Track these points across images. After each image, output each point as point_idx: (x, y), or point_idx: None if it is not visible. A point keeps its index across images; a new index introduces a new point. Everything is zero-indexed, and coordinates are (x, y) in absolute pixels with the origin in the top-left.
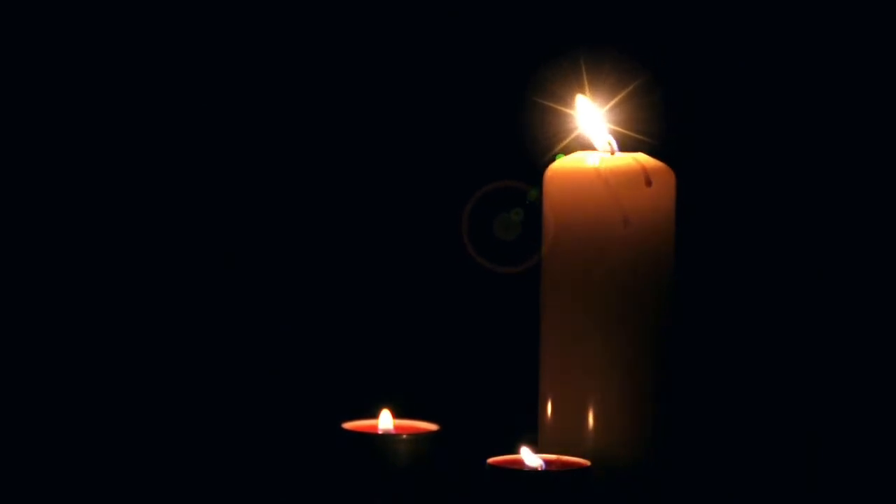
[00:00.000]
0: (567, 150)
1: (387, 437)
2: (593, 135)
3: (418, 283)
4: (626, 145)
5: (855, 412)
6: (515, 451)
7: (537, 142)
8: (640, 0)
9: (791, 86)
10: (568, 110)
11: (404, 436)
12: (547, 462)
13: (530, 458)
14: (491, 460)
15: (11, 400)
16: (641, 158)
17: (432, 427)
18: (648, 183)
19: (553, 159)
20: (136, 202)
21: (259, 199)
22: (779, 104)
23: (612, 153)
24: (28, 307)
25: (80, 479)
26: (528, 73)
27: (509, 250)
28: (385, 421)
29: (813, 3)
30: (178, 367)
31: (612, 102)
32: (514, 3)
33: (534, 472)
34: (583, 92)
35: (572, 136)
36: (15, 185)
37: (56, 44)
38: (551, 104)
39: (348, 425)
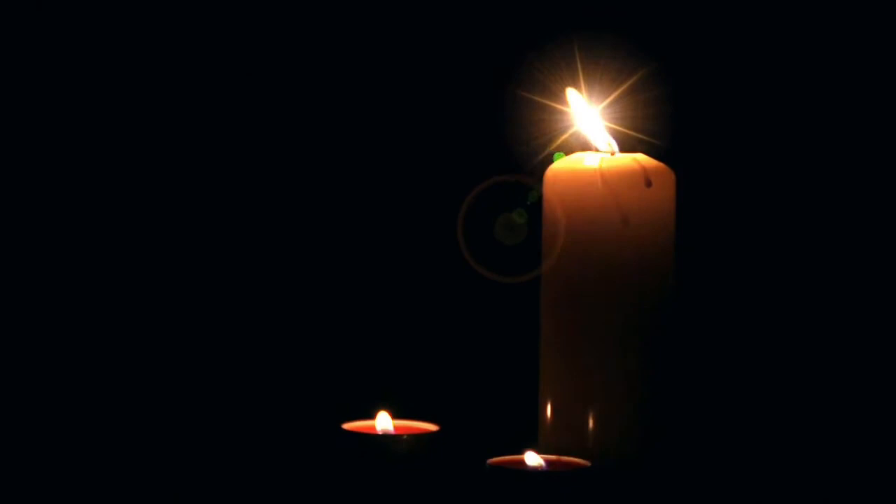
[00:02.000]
0: (565, 149)
1: (387, 437)
2: (590, 133)
3: (418, 284)
4: (624, 144)
5: (855, 413)
6: (519, 454)
7: (531, 141)
8: None
9: (791, 86)
10: (563, 107)
11: (404, 436)
12: (547, 462)
13: (534, 461)
14: (491, 460)
15: (12, 400)
16: (641, 159)
17: (432, 427)
18: (648, 183)
19: (552, 159)
20: (136, 203)
21: (260, 201)
22: (779, 104)
23: (613, 154)
24: (28, 307)
25: (80, 479)
26: (519, 66)
27: (511, 256)
28: (383, 422)
29: (814, 4)
30: (178, 368)
31: (610, 98)
32: None
33: (534, 472)
34: (576, 86)
35: (568, 133)
36: (15, 185)
37: (56, 44)
38: (544, 100)
39: (348, 426)
